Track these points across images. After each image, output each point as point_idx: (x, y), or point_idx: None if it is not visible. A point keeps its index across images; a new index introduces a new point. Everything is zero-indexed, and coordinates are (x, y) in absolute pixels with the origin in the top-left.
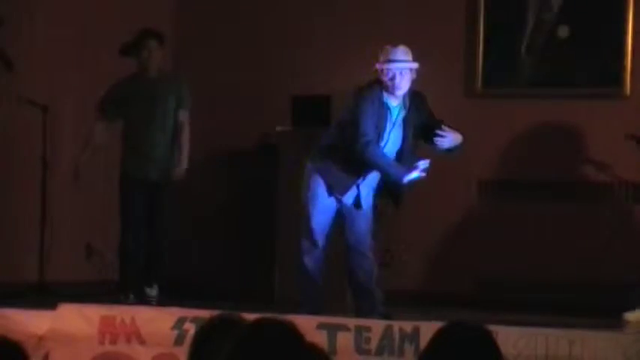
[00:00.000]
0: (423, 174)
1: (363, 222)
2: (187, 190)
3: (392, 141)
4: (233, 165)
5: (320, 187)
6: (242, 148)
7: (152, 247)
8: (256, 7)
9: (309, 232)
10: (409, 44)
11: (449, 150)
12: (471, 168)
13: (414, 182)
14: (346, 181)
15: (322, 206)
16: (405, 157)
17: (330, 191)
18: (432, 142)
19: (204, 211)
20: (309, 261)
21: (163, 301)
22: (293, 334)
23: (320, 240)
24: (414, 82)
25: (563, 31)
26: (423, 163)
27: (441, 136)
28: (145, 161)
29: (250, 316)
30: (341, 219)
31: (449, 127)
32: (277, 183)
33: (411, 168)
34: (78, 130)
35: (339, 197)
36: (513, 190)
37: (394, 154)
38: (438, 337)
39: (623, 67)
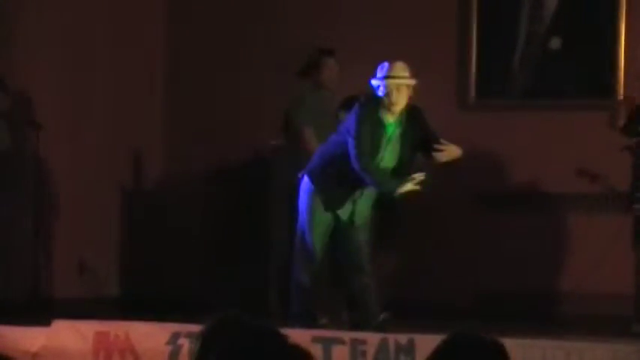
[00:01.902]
0: (417, 187)
1: (361, 235)
2: (181, 204)
3: (387, 157)
4: (226, 180)
5: (316, 202)
6: (235, 163)
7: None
8: (245, 13)
9: (306, 247)
10: (402, 57)
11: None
12: (465, 180)
13: (407, 195)
14: (341, 197)
15: (319, 220)
16: (403, 172)
17: (326, 206)
18: (430, 156)
19: (196, 227)
20: (305, 276)
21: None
22: (276, 334)
23: (317, 255)
24: (410, 97)
25: (555, 43)
26: (418, 175)
27: (440, 150)
28: None
29: None
30: (336, 234)
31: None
32: (270, 197)
33: (405, 180)
34: (71, 146)
35: (335, 212)
36: (508, 202)
37: (390, 170)
38: (443, 348)
39: (615, 79)
